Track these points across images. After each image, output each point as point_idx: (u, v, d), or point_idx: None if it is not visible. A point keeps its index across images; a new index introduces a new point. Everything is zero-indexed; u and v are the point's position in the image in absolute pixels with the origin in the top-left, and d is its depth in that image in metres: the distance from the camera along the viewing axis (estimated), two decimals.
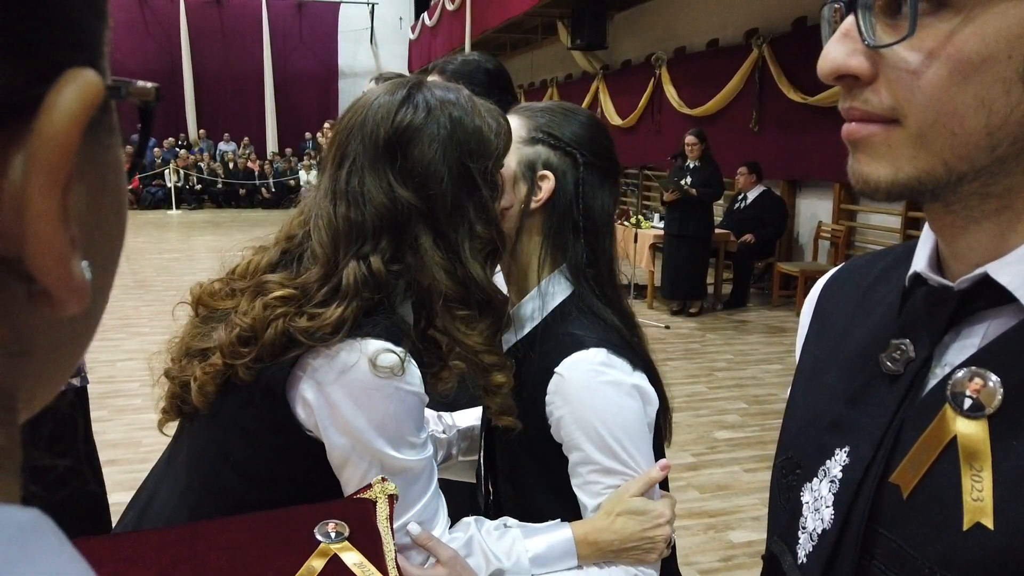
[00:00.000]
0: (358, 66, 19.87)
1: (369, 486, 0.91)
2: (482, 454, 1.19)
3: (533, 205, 1.09)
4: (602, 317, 1.07)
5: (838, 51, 0.53)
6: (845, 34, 0.53)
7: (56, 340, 0.25)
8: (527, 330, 1.10)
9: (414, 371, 0.93)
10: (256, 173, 17.25)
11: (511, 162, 1.08)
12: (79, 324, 0.26)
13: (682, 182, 6.81)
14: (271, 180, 17.06)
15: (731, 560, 3.05)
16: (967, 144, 0.49)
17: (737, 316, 7.23)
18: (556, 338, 1.05)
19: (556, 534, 1.03)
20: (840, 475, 0.60)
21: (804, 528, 0.63)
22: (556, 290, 1.10)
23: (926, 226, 0.60)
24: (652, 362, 1.10)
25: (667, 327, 6.66)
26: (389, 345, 0.91)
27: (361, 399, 0.91)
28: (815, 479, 0.63)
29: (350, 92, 19.25)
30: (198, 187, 16.60)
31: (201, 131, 18.52)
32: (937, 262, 0.59)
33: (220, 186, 16.77)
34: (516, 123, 1.10)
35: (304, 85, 19.51)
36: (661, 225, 7.32)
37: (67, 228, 0.22)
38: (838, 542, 0.58)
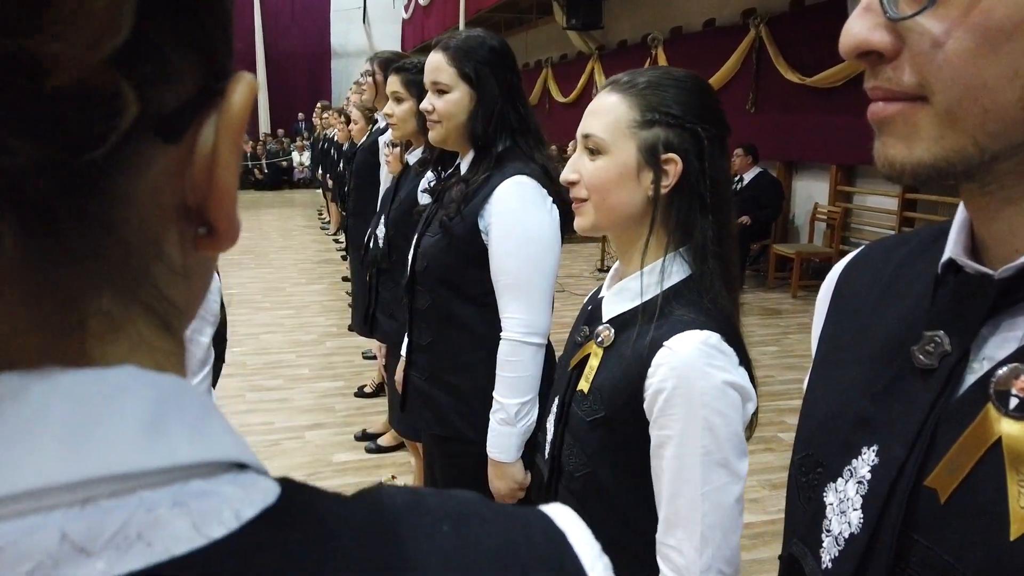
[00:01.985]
0: (351, 46, 19.66)
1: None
2: (556, 409, 1.16)
3: (663, 191, 1.05)
4: (718, 303, 1.04)
5: (860, 26, 0.49)
6: (867, 8, 0.49)
7: (201, 272, 0.32)
8: (634, 304, 1.08)
9: None
10: (249, 154, 17.11)
11: (629, 151, 1.04)
12: (212, 264, 0.33)
13: None
14: (264, 161, 16.94)
15: None
16: (1000, 120, 0.45)
17: None
18: (668, 315, 1.03)
19: None
20: (868, 476, 0.56)
21: (828, 531, 0.59)
22: (674, 269, 1.07)
23: (960, 208, 0.56)
24: (750, 358, 1.06)
25: None
26: None
27: None
28: (840, 479, 0.59)
29: (343, 72, 19.07)
30: None
31: None
32: (972, 248, 0.55)
33: None
34: (623, 104, 1.05)
35: (296, 65, 19.30)
36: None
37: (236, 181, 0.30)
38: (868, 548, 0.55)
